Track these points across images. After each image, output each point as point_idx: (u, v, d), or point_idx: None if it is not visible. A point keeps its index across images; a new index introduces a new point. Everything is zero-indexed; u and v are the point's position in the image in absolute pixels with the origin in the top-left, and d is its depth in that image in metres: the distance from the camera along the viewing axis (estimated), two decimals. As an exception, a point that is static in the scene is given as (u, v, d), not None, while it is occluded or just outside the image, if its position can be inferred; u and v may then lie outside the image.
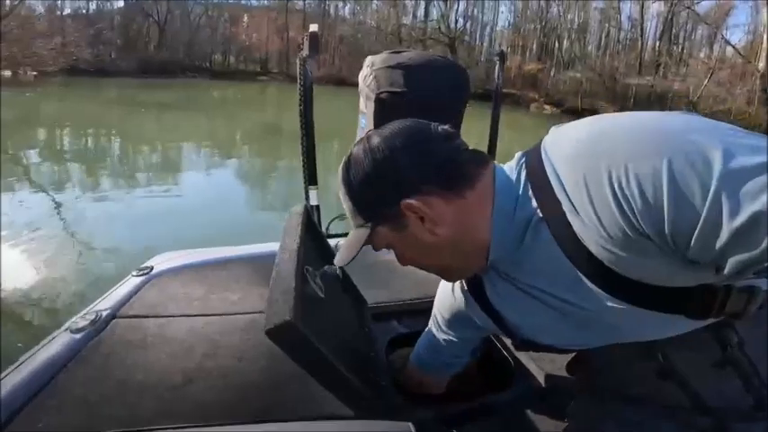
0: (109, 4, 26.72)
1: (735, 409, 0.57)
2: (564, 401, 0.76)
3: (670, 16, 22.01)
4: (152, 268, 1.24)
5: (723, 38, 21.03)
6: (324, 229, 1.51)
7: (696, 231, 0.40)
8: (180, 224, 4.42)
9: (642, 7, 22.29)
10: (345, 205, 0.62)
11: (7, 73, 18.67)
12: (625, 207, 0.43)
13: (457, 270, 0.65)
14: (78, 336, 0.95)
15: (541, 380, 0.94)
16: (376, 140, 0.57)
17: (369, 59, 1.19)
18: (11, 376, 0.83)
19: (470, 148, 0.60)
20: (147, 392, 0.82)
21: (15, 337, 2.46)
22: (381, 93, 1.12)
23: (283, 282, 0.63)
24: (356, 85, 1.22)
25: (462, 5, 26.82)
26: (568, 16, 24.91)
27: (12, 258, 3.39)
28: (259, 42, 29.13)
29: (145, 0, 26.39)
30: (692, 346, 0.56)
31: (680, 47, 23.21)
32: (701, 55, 22.08)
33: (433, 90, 1.14)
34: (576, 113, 19.94)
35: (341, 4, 29.64)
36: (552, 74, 24.05)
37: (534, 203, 0.52)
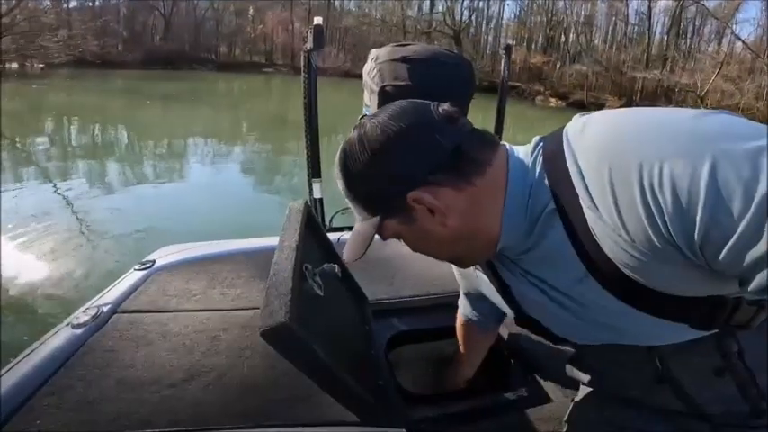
0: (114, -4, 26.78)
1: (731, 415, 0.56)
2: (564, 404, 0.75)
3: (678, 10, 21.76)
4: (154, 262, 1.24)
5: (732, 32, 20.79)
6: (327, 222, 1.51)
7: (730, 243, 0.37)
8: (185, 215, 4.43)
9: (650, 1, 22.05)
10: (347, 199, 0.58)
11: (15, 65, 18.90)
12: (654, 211, 0.40)
13: (468, 258, 0.63)
14: (79, 331, 0.95)
15: (541, 382, 0.94)
16: (372, 128, 0.53)
17: (373, 53, 1.18)
18: (11, 372, 0.83)
19: (477, 128, 0.55)
20: (146, 391, 0.81)
21: (20, 330, 2.47)
22: (385, 86, 1.11)
23: (280, 281, 0.61)
24: (361, 76, 1.21)
25: (468, -2, 26.65)
26: (575, 9, 24.68)
27: (18, 250, 3.40)
28: (264, 34, 29.10)
29: (150, -8, 26.42)
30: (690, 352, 0.55)
31: (688, 41, 22.98)
32: (710, 49, 21.83)
33: (438, 84, 1.13)
34: (582, 107, 19.86)
35: (346, -4, 29.51)
36: (558, 67, 23.88)
37: (549, 194, 0.49)
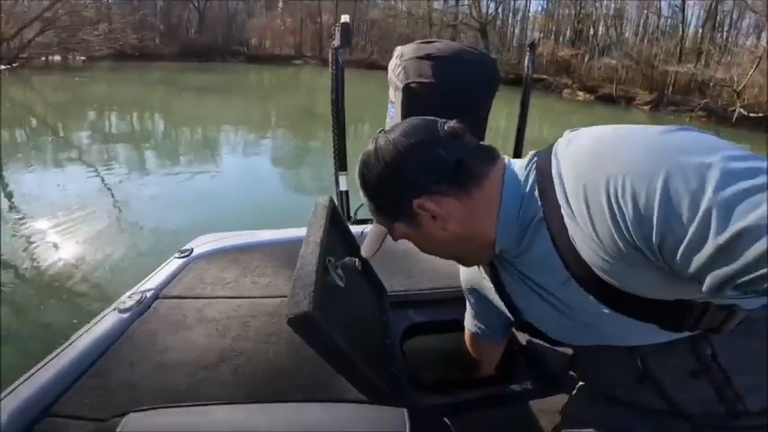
0: (152, -10, 27.37)
1: (709, 416, 0.58)
2: (564, 399, 0.79)
3: (714, 3, 20.97)
4: (192, 250, 1.31)
5: (772, 25, 19.89)
6: (352, 214, 1.56)
7: (682, 246, 0.41)
8: (218, 203, 4.55)
9: (685, -8, 21.29)
10: (365, 202, 0.65)
11: (57, 58, 19.39)
12: (618, 217, 0.44)
13: (468, 259, 0.69)
14: (125, 315, 1.00)
15: (545, 377, 0.98)
16: (385, 143, 0.59)
17: (398, 50, 1.19)
18: (63, 355, 0.88)
19: (480, 143, 0.61)
20: (182, 372, 0.86)
21: (67, 313, 2.59)
22: (410, 83, 1.11)
23: (305, 273, 0.65)
24: (386, 68, 1.22)
25: (495, -10, 26.29)
26: (604, 2, 24.01)
27: (63, 235, 3.52)
28: (293, 27, 29.44)
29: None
30: (667, 353, 0.58)
31: (724, 34, 22.13)
32: (748, 43, 20.98)
33: (461, 81, 1.13)
34: (611, 100, 19.49)
35: (373, -11, 29.56)
36: (586, 60, 23.38)
37: (538, 204, 0.55)
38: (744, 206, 0.38)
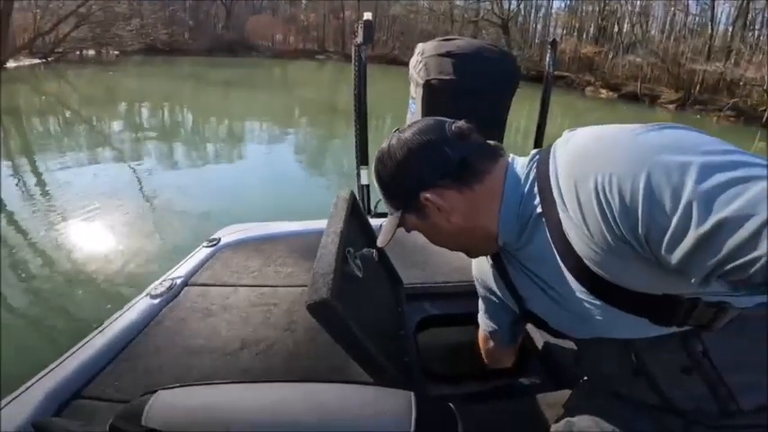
0: (181, -14, 27.80)
1: (702, 413, 0.59)
2: (568, 394, 0.80)
3: (746, 1, 20.35)
4: (219, 240, 1.35)
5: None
6: (372, 208, 1.59)
7: (666, 236, 0.43)
8: (244, 194, 4.66)
9: (714, -10, 20.70)
10: (380, 195, 0.69)
11: (91, 52, 19.79)
12: (606, 210, 0.47)
13: (473, 250, 0.72)
14: (156, 301, 1.04)
15: (553, 371, 0.99)
16: (398, 142, 0.63)
17: (419, 47, 1.20)
18: (95, 339, 0.90)
19: (485, 142, 0.64)
20: (206, 357, 0.89)
21: (98, 298, 2.66)
22: (431, 80, 1.13)
23: (325, 262, 0.67)
24: (408, 64, 1.23)
25: (517, -15, 26.02)
26: (630, -1, 23.48)
27: (95, 224, 3.62)
28: (316, 22, 29.77)
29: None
30: (660, 348, 0.58)
31: (756, 33, 21.43)
32: (781, 41, 20.27)
33: (481, 78, 1.14)
34: (635, 99, 19.15)
35: (395, -15, 29.58)
36: (610, 57, 22.97)
37: (537, 200, 0.57)
38: (723, 197, 0.40)
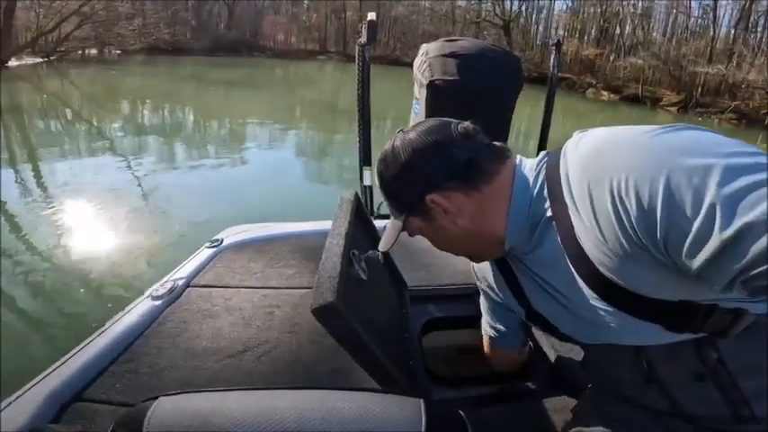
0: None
1: (714, 419, 0.58)
2: (574, 399, 0.79)
3: (748, 3, 20.33)
4: (222, 241, 1.33)
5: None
6: (375, 209, 1.55)
7: (688, 240, 0.41)
8: (246, 194, 4.65)
9: (717, -7, 20.69)
10: (383, 198, 0.68)
11: (94, 51, 19.78)
12: (622, 214, 0.45)
13: (478, 254, 0.71)
14: (158, 303, 1.03)
15: (560, 375, 0.97)
16: (402, 143, 0.62)
17: (423, 47, 1.20)
18: (96, 341, 0.89)
19: (492, 143, 0.63)
20: (209, 360, 0.87)
21: (98, 300, 2.64)
22: (435, 80, 1.12)
23: (331, 265, 0.66)
24: (410, 65, 1.25)
25: (519, -13, 26.01)
26: (632, 1, 23.49)
27: (94, 225, 3.62)
28: (318, 23, 29.77)
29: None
30: (672, 355, 0.57)
31: (758, 35, 21.42)
32: (783, 44, 20.25)
33: (486, 79, 1.14)
34: (636, 101, 19.14)
35: (397, -15, 29.58)
36: (612, 59, 22.95)
37: (547, 203, 0.56)
38: (747, 201, 0.39)
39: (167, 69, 17.46)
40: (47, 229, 3.55)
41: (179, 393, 0.56)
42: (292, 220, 1.55)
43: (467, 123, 0.63)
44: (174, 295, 1.07)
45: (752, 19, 21.13)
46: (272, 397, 0.56)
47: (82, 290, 2.77)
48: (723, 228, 0.39)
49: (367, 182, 1.56)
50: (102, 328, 0.94)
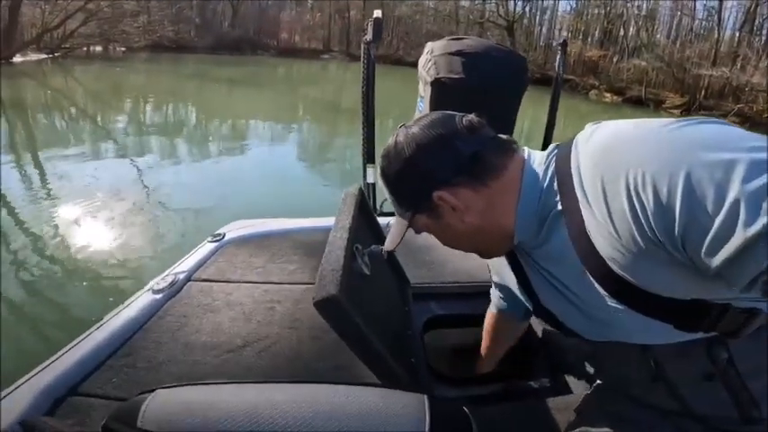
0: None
1: (722, 419, 0.57)
2: (581, 396, 0.78)
3: (753, 6, 20.27)
4: (224, 235, 1.34)
5: (814, 29, 19.07)
6: (378, 207, 1.52)
7: (708, 237, 0.39)
8: (249, 190, 4.67)
9: (721, -5, 20.64)
10: (387, 195, 0.65)
11: (99, 48, 19.99)
12: (638, 209, 0.43)
13: (487, 251, 0.68)
14: (158, 296, 1.02)
15: (564, 374, 0.97)
16: (405, 138, 0.60)
17: (428, 46, 1.19)
18: (94, 335, 0.88)
19: (498, 135, 0.61)
20: (208, 354, 0.87)
21: (99, 295, 2.65)
22: (440, 78, 1.11)
23: (334, 258, 0.65)
24: (413, 64, 1.27)
25: (523, -12, 25.97)
26: (636, 2, 23.40)
27: (96, 221, 3.60)
28: (322, 22, 29.82)
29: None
30: (682, 354, 0.56)
31: (763, 38, 21.35)
32: (788, 47, 20.16)
33: (491, 78, 1.13)
34: (639, 103, 19.11)
35: (401, -15, 29.58)
36: (615, 61, 22.90)
37: (558, 197, 0.54)
38: None
39: (171, 67, 17.60)
40: (46, 223, 3.56)
41: (174, 387, 0.54)
42: (293, 217, 1.55)
43: (471, 116, 0.61)
44: (175, 289, 1.07)
45: (757, 22, 21.07)
46: (269, 391, 0.54)
47: (79, 285, 2.78)
48: (747, 225, 0.37)
49: (370, 179, 1.56)
50: (101, 322, 0.93)
